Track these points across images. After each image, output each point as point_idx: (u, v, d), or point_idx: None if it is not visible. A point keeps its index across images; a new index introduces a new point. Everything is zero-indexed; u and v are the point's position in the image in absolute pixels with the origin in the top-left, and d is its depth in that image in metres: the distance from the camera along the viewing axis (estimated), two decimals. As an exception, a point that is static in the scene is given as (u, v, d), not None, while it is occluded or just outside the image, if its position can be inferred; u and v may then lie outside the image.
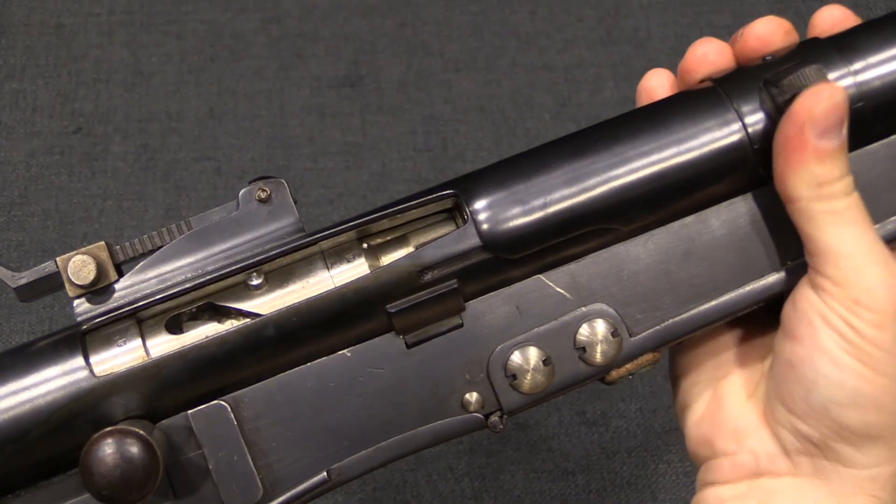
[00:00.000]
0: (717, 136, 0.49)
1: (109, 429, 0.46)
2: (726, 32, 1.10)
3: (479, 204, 0.49)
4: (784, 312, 0.49)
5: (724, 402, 0.53)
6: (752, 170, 0.50)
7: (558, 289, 0.50)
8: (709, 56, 0.53)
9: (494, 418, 0.50)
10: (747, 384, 0.52)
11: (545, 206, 0.49)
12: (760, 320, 0.53)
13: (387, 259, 0.50)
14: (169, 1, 1.11)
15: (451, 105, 1.06)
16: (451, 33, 1.10)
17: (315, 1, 1.11)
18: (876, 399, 0.47)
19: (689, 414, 0.54)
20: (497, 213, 0.49)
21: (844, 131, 0.47)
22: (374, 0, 1.11)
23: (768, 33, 0.53)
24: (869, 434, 0.47)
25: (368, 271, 0.49)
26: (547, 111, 1.06)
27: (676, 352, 0.57)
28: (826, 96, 0.47)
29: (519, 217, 0.49)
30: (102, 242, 0.49)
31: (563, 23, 1.11)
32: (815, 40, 0.52)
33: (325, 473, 0.49)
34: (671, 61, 1.08)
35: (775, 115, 0.49)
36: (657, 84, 0.55)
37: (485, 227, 0.49)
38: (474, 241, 0.49)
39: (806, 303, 0.48)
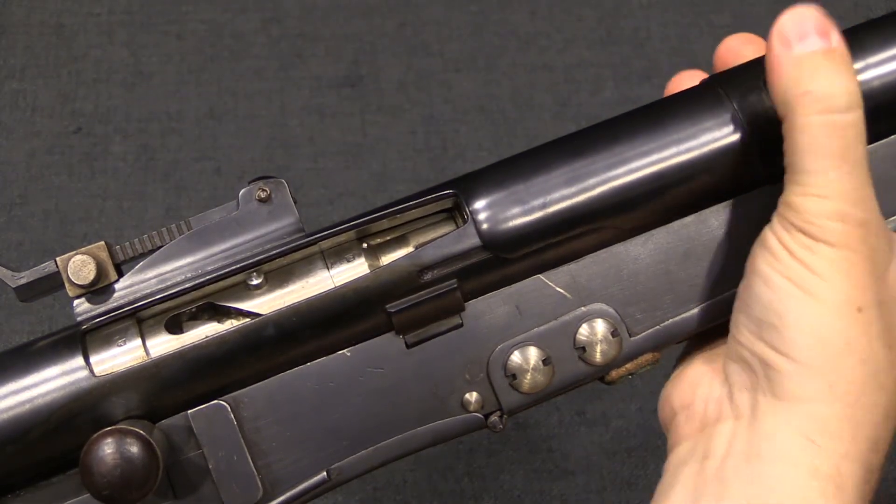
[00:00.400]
0: (717, 135, 0.49)
1: (109, 428, 0.46)
2: (726, 32, 1.08)
3: (479, 204, 0.49)
4: None
5: (688, 366, 0.52)
6: (751, 169, 0.50)
7: (558, 288, 0.50)
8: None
9: (494, 418, 0.50)
10: (712, 350, 0.51)
11: (545, 205, 0.49)
12: None
13: (387, 259, 0.50)
14: (169, 1, 1.11)
15: (451, 105, 1.06)
16: (451, 33, 1.10)
17: (315, 1, 1.11)
18: (806, 321, 0.45)
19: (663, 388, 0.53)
20: (497, 212, 0.49)
21: (833, 39, 0.46)
22: (374, 0, 1.11)
23: (737, 48, 0.54)
24: (801, 360, 0.45)
25: (368, 271, 0.49)
26: (547, 111, 1.06)
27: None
28: (788, 11, 0.46)
29: (519, 217, 0.49)
30: (102, 242, 0.49)
31: (563, 23, 1.11)
32: (815, 40, 0.52)
33: (324, 473, 0.49)
34: (671, 61, 1.09)
35: (774, 115, 0.49)
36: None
37: (484, 226, 0.49)
38: (474, 240, 0.49)
39: (757, 239, 0.48)
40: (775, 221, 0.47)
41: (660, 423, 0.53)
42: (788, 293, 0.46)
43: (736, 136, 0.49)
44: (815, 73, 0.46)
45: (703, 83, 0.52)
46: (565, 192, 0.49)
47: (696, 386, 0.50)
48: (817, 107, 0.45)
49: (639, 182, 0.49)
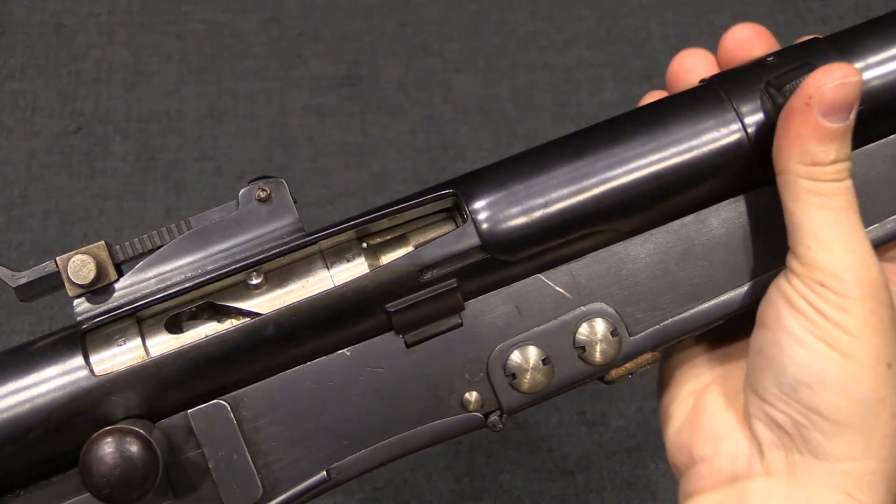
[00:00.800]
0: (717, 136, 0.49)
1: (109, 428, 0.46)
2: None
3: (479, 204, 0.49)
4: (759, 309, 0.49)
5: (703, 409, 0.52)
6: (751, 170, 0.50)
7: (558, 288, 0.50)
8: (697, 66, 0.54)
9: (494, 417, 0.50)
10: (727, 393, 0.52)
11: (544, 206, 0.49)
12: (741, 332, 0.53)
13: (386, 258, 0.50)
14: (169, 1, 1.11)
15: (451, 105, 1.06)
16: (451, 33, 1.10)
17: (315, 1, 1.11)
18: (843, 383, 0.46)
19: (669, 425, 0.54)
20: (496, 212, 0.49)
21: (852, 116, 0.47)
22: (373, 0, 1.11)
23: (747, 38, 0.54)
24: (839, 420, 0.46)
25: (368, 270, 0.49)
26: (547, 111, 1.06)
27: (662, 365, 0.57)
28: (839, 75, 0.46)
29: (518, 217, 0.49)
30: (102, 242, 0.49)
31: (563, 23, 1.11)
32: (815, 40, 0.52)
33: (324, 473, 0.49)
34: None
35: (775, 117, 0.49)
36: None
37: (484, 226, 0.49)
38: (473, 240, 0.49)
39: (774, 289, 0.48)
40: (797, 283, 0.47)
41: (671, 465, 0.53)
42: (826, 356, 0.46)
43: (736, 137, 0.49)
44: (835, 147, 0.46)
45: (704, 83, 0.52)
46: (565, 192, 0.49)
47: (720, 440, 0.50)
48: (830, 177, 0.46)
49: (639, 182, 0.49)
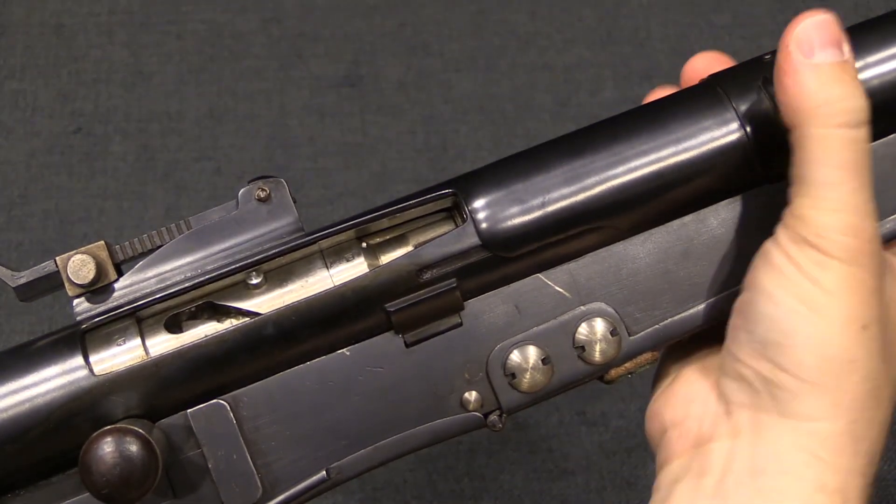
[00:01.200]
0: (716, 134, 0.49)
1: (108, 427, 0.46)
2: (726, 32, 1.10)
3: (478, 203, 0.49)
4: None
5: (678, 379, 0.51)
6: (750, 169, 0.50)
7: (557, 288, 0.50)
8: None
9: (493, 417, 0.50)
10: (706, 366, 0.51)
11: (544, 205, 0.49)
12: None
13: (386, 258, 0.50)
14: (169, 1, 1.11)
15: (451, 105, 1.06)
16: (451, 33, 1.10)
17: (315, 1, 1.11)
18: (813, 340, 0.45)
19: (651, 400, 0.53)
20: (496, 212, 0.49)
21: (846, 50, 0.46)
22: (373, 0, 1.11)
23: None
24: (806, 378, 0.45)
25: (367, 270, 0.49)
26: (547, 111, 1.06)
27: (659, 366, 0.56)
28: (808, 17, 0.46)
29: (518, 216, 0.49)
30: (102, 242, 0.49)
31: (563, 23, 1.11)
32: (814, 39, 0.52)
33: (324, 472, 0.49)
34: (671, 61, 1.09)
35: (774, 115, 0.49)
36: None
37: (484, 226, 0.49)
38: (473, 240, 0.49)
39: (758, 252, 0.47)
40: (781, 235, 0.46)
41: (648, 439, 0.53)
42: (795, 311, 0.45)
43: (735, 136, 0.49)
44: (833, 84, 0.46)
45: (703, 82, 0.52)
46: (564, 191, 0.49)
47: (690, 402, 0.50)
48: (836, 120, 0.45)
49: (638, 181, 0.49)
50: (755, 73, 0.50)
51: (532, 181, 0.49)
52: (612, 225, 0.50)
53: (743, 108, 0.49)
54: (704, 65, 0.55)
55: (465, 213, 0.49)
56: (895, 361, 0.48)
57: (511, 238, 0.49)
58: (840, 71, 0.46)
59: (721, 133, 0.49)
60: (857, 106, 0.46)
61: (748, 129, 0.49)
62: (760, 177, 0.50)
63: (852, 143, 0.45)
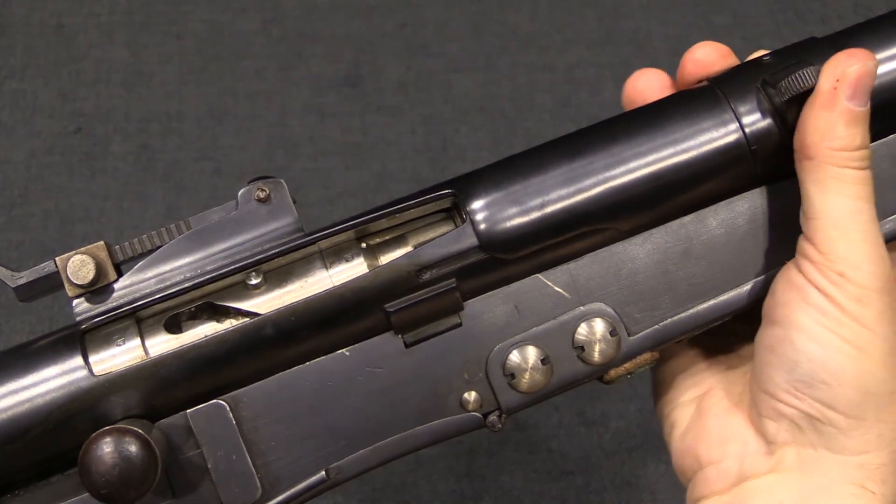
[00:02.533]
0: (715, 136, 0.49)
1: (108, 428, 0.46)
2: (726, 32, 1.10)
3: (477, 204, 0.49)
4: (764, 305, 0.49)
5: (707, 412, 0.52)
6: (749, 170, 0.50)
7: (557, 288, 0.50)
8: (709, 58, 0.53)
9: (493, 417, 0.50)
10: (730, 395, 0.52)
11: (542, 206, 0.49)
12: (737, 333, 0.53)
13: (385, 258, 0.50)
14: (169, 1, 1.11)
15: (451, 105, 1.06)
16: (451, 33, 1.10)
17: (315, 1, 1.11)
18: (858, 377, 0.46)
19: (674, 432, 0.53)
20: (494, 213, 0.49)
21: (869, 103, 0.47)
22: (374, 0, 1.11)
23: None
24: (854, 415, 0.46)
25: (367, 271, 0.49)
26: (547, 111, 1.06)
27: (656, 373, 0.56)
28: (860, 58, 0.47)
29: (516, 217, 0.49)
30: (101, 242, 0.49)
31: (563, 23, 1.11)
32: (813, 40, 0.52)
33: (323, 473, 0.49)
34: (671, 61, 1.08)
35: (773, 116, 0.49)
36: (644, 85, 0.55)
37: (482, 227, 0.49)
38: (472, 241, 0.49)
39: (786, 284, 0.47)
40: (814, 272, 0.47)
41: (676, 470, 0.53)
42: (840, 350, 0.46)
43: (733, 137, 0.49)
44: (860, 132, 0.47)
45: (701, 83, 0.52)
46: (563, 192, 0.49)
47: (727, 442, 0.50)
48: (851, 163, 0.47)
49: (637, 182, 0.49)
50: (754, 75, 0.50)
51: (531, 182, 0.49)
52: (612, 226, 0.50)
53: (742, 109, 0.49)
54: (704, 55, 0.55)
55: (464, 214, 0.49)
56: None
57: (509, 240, 0.49)
58: (865, 120, 0.47)
59: (720, 134, 0.49)
60: (867, 153, 0.47)
61: (747, 130, 0.49)
62: (759, 177, 0.50)
63: (865, 180, 0.47)
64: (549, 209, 0.49)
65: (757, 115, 0.49)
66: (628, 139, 0.50)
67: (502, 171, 0.50)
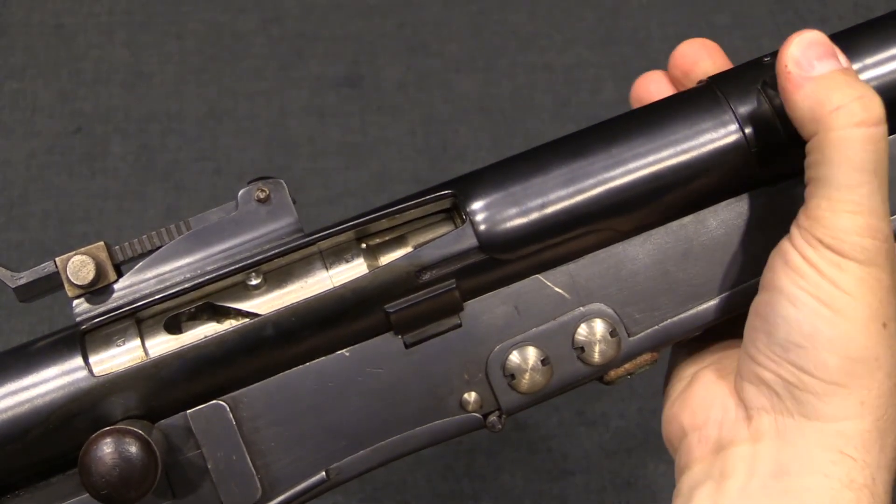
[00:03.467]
0: (714, 137, 0.49)
1: (108, 428, 0.46)
2: (726, 32, 1.10)
3: (477, 205, 0.49)
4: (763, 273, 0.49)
5: (695, 382, 0.51)
6: (749, 171, 0.50)
7: (557, 289, 0.50)
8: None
9: (493, 418, 0.50)
10: (722, 370, 0.51)
11: (542, 206, 0.49)
12: (742, 323, 0.53)
13: (385, 259, 0.50)
14: (169, 1, 1.11)
15: (451, 105, 1.06)
16: (451, 33, 1.10)
17: (315, 1, 1.11)
18: (836, 341, 0.45)
19: (665, 404, 0.53)
20: (494, 214, 0.49)
21: (842, 60, 0.47)
22: (374, 0, 1.11)
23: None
24: (831, 380, 0.45)
25: (367, 271, 0.49)
26: (547, 111, 1.06)
27: (670, 356, 0.56)
28: (797, 37, 0.47)
29: (516, 218, 0.49)
30: (102, 242, 0.49)
31: (563, 23, 1.11)
32: (813, 40, 0.52)
33: (323, 473, 0.49)
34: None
35: (773, 117, 0.49)
36: (655, 90, 0.55)
37: (482, 227, 0.49)
38: (471, 241, 0.49)
39: (775, 250, 0.47)
40: (798, 237, 0.46)
41: (665, 442, 0.52)
42: (817, 312, 0.45)
43: (733, 138, 0.49)
44: (843, 87, 0.46)
45: (700, 84, 0.52)
46: (563, 193, 0.49)
47: (709, 408, 0.50)
48: (853, 120, 0.45)
49: (636, 183, 0.49)
50: (754, 76, 0.50)
51: (531, 183, 0.49)
52: (612, 227, 0.50)
53: (741, 110, 0.49)
54: (692, 52, 0.55)
55: (464, 215, 0.49)
56: None
57: (509, 240, 0.49)
58: (844, 75, 0.46)
59: (719, 135, 0.49)
60: (872, 103, 0.46)
61: (746, 130, 0.49)
62: (759, 178, 0.50)
63: (871, 142, 0.45)
64: (549, 210, 0.49)
65: (757, 116, 0.49)
66: (628, 140, 0.50)
67: (502, 172, 0.50)
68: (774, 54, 0.51)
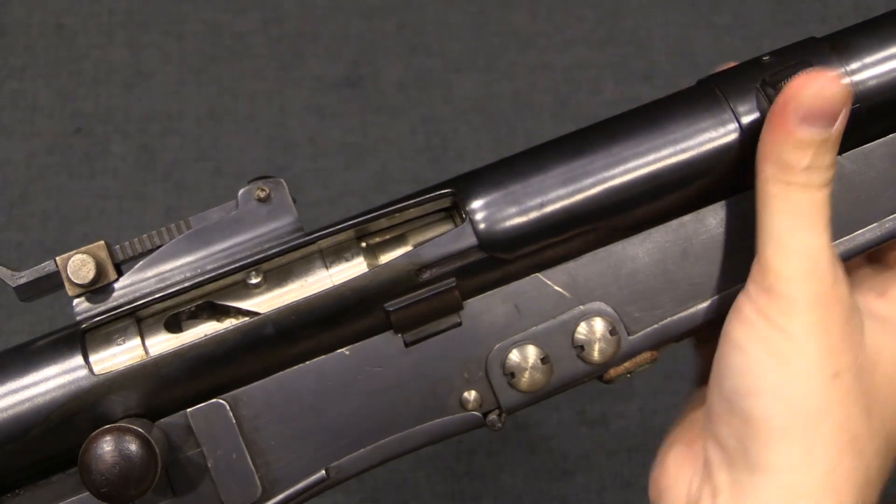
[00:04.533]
0: (714, 135, 0.49)
1: (108, 427, 0.46)
2: (726, 32, 1.10)
3: (476, 204, 0.49)
4: None
5: (674, 444, 0.51)
6: (749, 169, 0.50)
7: (556, 287, 0.50)
8: None
9: (493, 417, 0.50)
10: (694, 429, 0.51)
11: (542, 205, 0.49)
12: None
13: (385, 258, 0.50)
14: (169, 1, 1.11)
15: (451, 105, 1.06)
16: (451, 33, 1.10)
17: (315, 1, 1.11)
18: (779, 389, 0.45)
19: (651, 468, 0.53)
20: (494, 212, 0.49)
21: (837, 127, 0.46)
22: (374, 0, 1.11)
23: None
24: (775, 428, 0.45)
25: (367, 270, 0.49)
26: (547, 111, 1.06)
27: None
28: (819, 82, 0.46)
29: (515, 217, 0.49)
30: (102, 242, 0.49)
31: (563, 23, 1.11)
32: (812, 40, 0.52)
33: (323, 472, 0.49)
34: (671, 61, 1.09)
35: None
36: None
37: (482, 226, 0.49)
38: (471, 240, 0.49)
39: (732, 303, 0.47)
40: (750, 286, 0.47)
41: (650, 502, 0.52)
42: (761, 362, 0.45)
43: (733, 136, 0.49)
44: (810, 155, 0.46)
45: (700, 83, 0.52)
46: (562, 192, 0.49)
47: (679, 468, 0.50)
48: (799, 182, 0.46)
49: (636, 182, 0.49)
50: (753, 75, 0.50)
51: (530, 182, 0.49)
52: (611, 226, 0.50)
53: (740, 108, 0.50)
54: None
55: (464, 214, 0.49)
56: (886, 411, 0.47)
57: (509, 239, 0.49)
58: (821, 145, 0.46)
59: (719, 134, 0.49)
60: (823, 179, 0.46)
61: (746, 130, 0.49)
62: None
63: (812, 199, 0.46)
64: (549, 209, 0.49)
65: (756, 115, 0.49)
66: (627, 139, 0.50)
67: (502, 171, 0.50)
68: (774, 53, 0.51)
